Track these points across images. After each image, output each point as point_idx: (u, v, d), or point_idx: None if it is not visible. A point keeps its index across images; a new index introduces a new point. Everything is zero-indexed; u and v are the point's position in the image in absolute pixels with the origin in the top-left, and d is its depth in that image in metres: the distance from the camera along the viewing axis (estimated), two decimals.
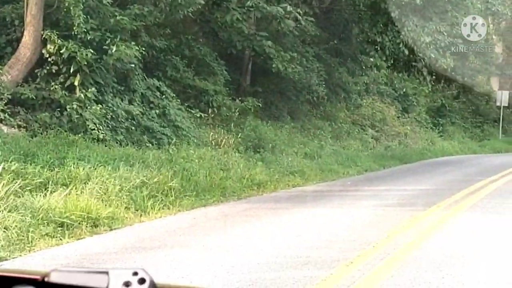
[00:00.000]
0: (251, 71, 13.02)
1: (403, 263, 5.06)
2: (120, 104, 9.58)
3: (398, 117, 18.97)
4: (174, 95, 10.95)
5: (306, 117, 13.80)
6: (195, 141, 10.43)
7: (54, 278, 0.84)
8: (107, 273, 0.81)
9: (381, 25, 13.55)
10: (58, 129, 8.40)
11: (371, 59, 14.59)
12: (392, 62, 14.93)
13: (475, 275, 4.76)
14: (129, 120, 9.66)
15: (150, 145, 9.61)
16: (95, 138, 8.54)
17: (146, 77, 10.65)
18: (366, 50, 13.91)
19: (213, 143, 10.39)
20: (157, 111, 10.42)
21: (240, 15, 11.30)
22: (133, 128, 9.63)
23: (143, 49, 10.02)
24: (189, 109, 11.21)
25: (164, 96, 10.66)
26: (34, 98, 8.64)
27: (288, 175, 10.50)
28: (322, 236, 6.20)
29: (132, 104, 9.96)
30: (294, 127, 12.94)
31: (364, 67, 15.05)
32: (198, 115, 11.23)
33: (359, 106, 16.60)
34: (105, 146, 8.61)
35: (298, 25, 11.94)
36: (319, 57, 13.32)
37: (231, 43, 12.12)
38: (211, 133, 10.70)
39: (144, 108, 10.21)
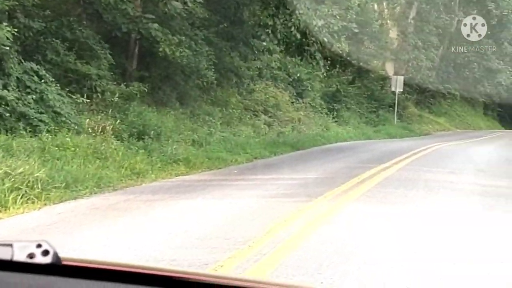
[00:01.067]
0: (137, 55, 12.53)
1: (279, 265, 4.56)
2: None
3: (292, 102, 18.84)
4: (54, 79, 10.31)
5: (196, 102, 13.44)
6: (75, 128, 9.84)
7: None
8: (11, 245, 0.82)
9: (273, 8, 13.50)
10: None
11: (263, 43, 14.49)
12: (284, 46, 15.00)
13: (359, 276, 4.40)
14: (2, 106, 9.03)
15: (25, 132, 8.96)
16: None
17: (23, 60, 9.94)
18: (258, 33, 13.80)
19: (91, 130, 9.83)
20: (34, 96, 9.74)
21: None
22: (7, 114, 8.98)
23: (16, 30, 9.41)
24: (71, 94, 10.57)
25: (42, 80, 10.01)
26: None
27: (171, 163, 10.11)
28: (195, 233, 5.65)
29: (7, 89, 9.25)
30: (182, 113, 12.58)
31: (256, 51, 14.90)
32: (80, 101, 10.63)
33: (251, 91, 16.40)
34: None
35: (186, 7, 11.63)
36: (208, 40, 13.02)
37: (116, 26, 11.60)
38: (88, 120, 10.08)
39: (20, 93, 9.55)
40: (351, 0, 15.45)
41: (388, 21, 30.24)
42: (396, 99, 26.21)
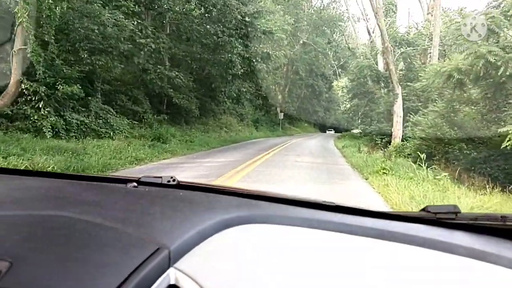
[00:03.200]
0: (166, 102, 23.12)
1: None
2: None
3: (238, 123, 33.55)
4: (119, 113, 20.36)
5: (193, 124, 24.85)
6: (127, 134, 20.06)
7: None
8: (161, 177, 1.48)
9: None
10: None
11: (226, 101, 27.14)
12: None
13: None
14: (84, 125, 15.44)
15: (94, 138, 19.27)
16: None
17: (102, 104, 19.98)
18: (224, 97, 25.85)
19: (135, 136, 20.31)
20: (101, 120, 19.86)
21: None
22: (83, 129, 16.05)
23: (100, 88, 19.55)
24: (127, 119, 20.72)
25: (109, 113, 20.08)
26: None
27: (164, 153, 16.51)
28: None
29: (88, 118, 19.27)
30: (186, 128, 23.73)
31: (222, 102, 27.51)
32: (133, 123, 20.92)
33: (220, 118, 29.04)
34: None
35: (184, 82, 22.78)
36: (196, 96, 24.51)
37: (153, 88, 22.17)
38: (134, 131, 20.57)
39: (95, 119, 18.09)
40: None
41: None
42: (280, 121, 43.00)
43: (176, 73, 20.92)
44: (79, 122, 14.63)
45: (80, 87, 13.84)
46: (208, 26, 23.12)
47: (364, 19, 47.40)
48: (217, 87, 24.68)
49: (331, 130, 64.31)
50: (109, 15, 14.58)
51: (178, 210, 1.17)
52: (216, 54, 23.21)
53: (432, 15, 35.28)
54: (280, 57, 27.09)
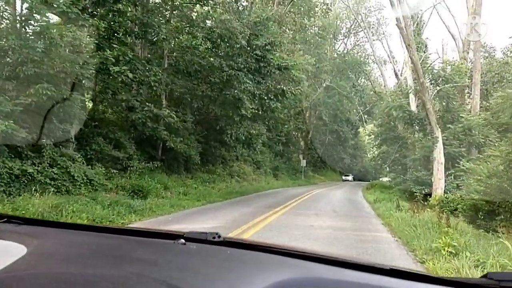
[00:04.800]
0: (161, 147, 19.21)
1: None
2: None
3: (254, 171, 28.61)
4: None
5: (196, 171, 20.60)
6: (103, 187, 15.42)
7: None
8: (206, 233, 1.46)
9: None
10: None
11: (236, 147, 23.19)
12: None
13: None
14: (36, 175, 11.01)
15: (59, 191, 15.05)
16: None
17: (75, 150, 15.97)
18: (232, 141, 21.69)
19: (114, 188, 13.71)
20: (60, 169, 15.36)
21: None
22: (38, 179, 11.17)
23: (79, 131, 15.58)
24: (104, 168, 16.26)
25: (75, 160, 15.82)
26: None
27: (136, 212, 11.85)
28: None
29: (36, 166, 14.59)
30: (186, 177, 19.41)
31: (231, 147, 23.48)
32: (113, 172, 16.52)
33: (232, 165, 24.60)
34: None
35: (182, 124, 18.90)
36: (197, 139, 20.41)
37: (144, 132, 18.27)
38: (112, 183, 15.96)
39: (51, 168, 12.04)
40: None
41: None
42: (303, 169, 38.62)
43: (170, 111, 16.95)
44: (18, 172, 10.61)
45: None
46: (212, 59, 19.41)
47: (390, 61, 43.81)
48: (224, 129, 20.55)
49: (348, 176, 57.60)
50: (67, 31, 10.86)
51: (229, 270, 1.20)
52: (221, 91, 19.34)
53: (468, 52, 31.27)
54: (297, 94, 22.85)
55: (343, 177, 56.99)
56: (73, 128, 14.53)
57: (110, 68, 13.22)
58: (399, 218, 11.92)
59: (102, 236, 1.53)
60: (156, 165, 17.28)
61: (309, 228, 10.16)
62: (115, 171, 15.11)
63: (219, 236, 1.41)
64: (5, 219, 1.61)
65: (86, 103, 15.91)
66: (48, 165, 12.09)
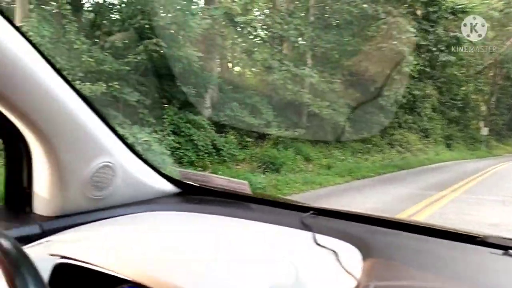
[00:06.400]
0: None
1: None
2: None
3: (420, 140, 23.80)
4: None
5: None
6: None
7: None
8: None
9: None
10: None
11: None
12: None
13: None
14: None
15: None
16: None
17: None
18: None
19: None
20: None
21: None
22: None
23: None
24: None
25: None
26: None
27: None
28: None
29: None
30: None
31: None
32: None
33: (393, 134, 21.29)
34: None
35: None
36: None
37: None
38: None
39: None
40: None
41: None
42: (484, 138, 33.74)
43: (312, 71, 14.41)
44: (133, 140, 9.48)
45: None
46: (366, 5, 16.02)
47: None
48: (380, 91, 17.14)
49: None
50: None
51: None
52: (377, 44, 15.93)
53: None
54: (477, 44, 17.84)
55: None
56: (207, 92, 13.22)
57: (236, 20, 11.20)
58: None
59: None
60: (298, 133, 15.15)
61: (490, 229, 6.45)
62: (249, 140, 13.41)
63: None
64: (311, 211, 1.38)
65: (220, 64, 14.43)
66: (171, 132, 10.89)
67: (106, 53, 8.68)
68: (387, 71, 15.98)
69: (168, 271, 0.92)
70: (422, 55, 15.86)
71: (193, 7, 11.05)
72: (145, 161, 1.55)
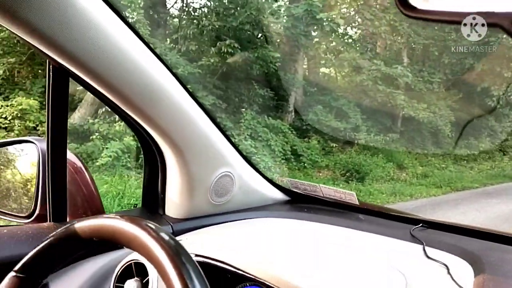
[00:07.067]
0: None
1: None
2: None
3: None
4: None
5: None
6: None
7: None
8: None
9: None
10: None
11: None
12: None
13: None
14: None
15: None
16: None
17: None
18: None
19: None
20: None
21: None
22: None
23: None
24: None
25: None
26: None
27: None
28: None
29: None
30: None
31: None
32: None
33: (507, 139, 17.97)
34: None
35: None
36: None
37: None
38: None
39: None
40: None
41: None
42: None
43: (405, 69, 13.08)
44: None
45: None
46: None
47: None
48: (489, 91, 15.09)
49: None
50: None
51: None
52: (485, 37, 14.00)
53: None
54: None
55: None
56: (290, 95, 12.68)
57: (319, 17, 10.44)
58: None
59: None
60: (391, 139, 13.88)
61: None
62: (334, 145, 12.53)
63: None
64: (421, 224, 1.37)
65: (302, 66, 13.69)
66: (248, 136, 10.48)
67: (178, 57, 8.50)
68: (497, 69, 13.96)
69: (288, 273, 0.98)
70: None
71: (273, 6, 10.53)
72: (259, 171, 1.67)
